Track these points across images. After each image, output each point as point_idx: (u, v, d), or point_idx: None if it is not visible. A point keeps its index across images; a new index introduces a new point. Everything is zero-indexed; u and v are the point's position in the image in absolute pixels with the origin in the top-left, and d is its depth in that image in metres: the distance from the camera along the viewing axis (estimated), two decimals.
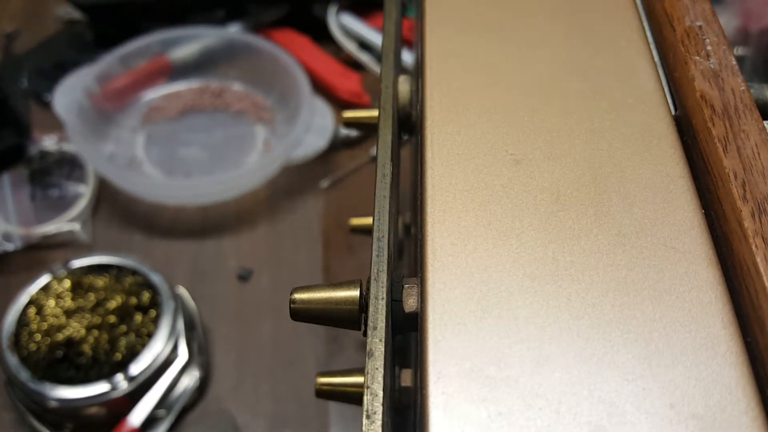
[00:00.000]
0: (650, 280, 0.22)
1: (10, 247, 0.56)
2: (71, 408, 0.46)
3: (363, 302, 0.24)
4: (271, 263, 0.58)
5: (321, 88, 0.67)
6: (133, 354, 0.47)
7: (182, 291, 0.53)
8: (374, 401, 0.20)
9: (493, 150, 0.25)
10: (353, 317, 0.24)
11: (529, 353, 0.20)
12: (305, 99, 0.62)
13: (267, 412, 0.50)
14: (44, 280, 0.50)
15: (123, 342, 0.48)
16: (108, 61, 0.66)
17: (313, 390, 0.49)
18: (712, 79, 0.26)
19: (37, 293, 0.50)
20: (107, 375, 0.46)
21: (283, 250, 0.59)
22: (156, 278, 0.51)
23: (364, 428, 0.19)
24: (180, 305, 0.51)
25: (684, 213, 0.23)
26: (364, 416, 0.20)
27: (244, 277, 0.56)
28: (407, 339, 0.31)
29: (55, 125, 0.64)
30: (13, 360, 0.47)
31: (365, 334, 0.23)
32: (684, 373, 0.20)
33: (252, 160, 0.64)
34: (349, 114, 0.37)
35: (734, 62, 0.27)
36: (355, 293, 0.24)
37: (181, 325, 0.50)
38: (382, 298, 0.23)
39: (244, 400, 0.50)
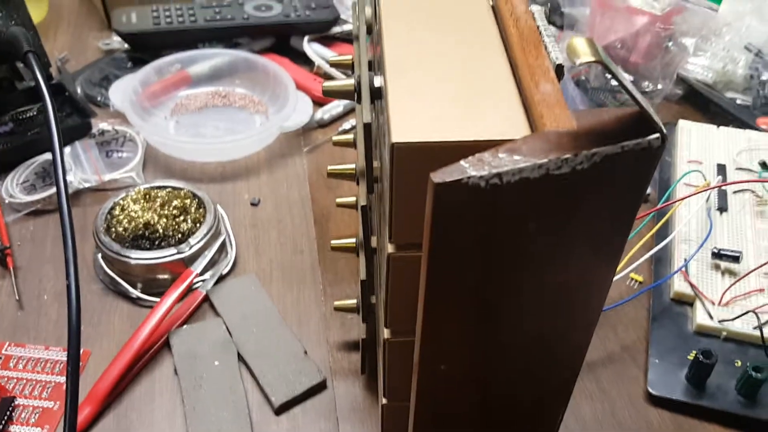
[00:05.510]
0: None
1: (88, 184, 0.79)
2: (148, 267, 0.69)
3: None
4: (273, 196, 0.82)
5: (300, 90, 0.94)
6: (190, 233, 0.70)
7: (217, 206, 0.77)
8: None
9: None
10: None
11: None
12: (291, 90, 0.88)
13: (277, 275, 0.73)
14: (122, 193, 0.74)
15: (183, 226, 0.71)
16: (146, 71, 0.91)
17: (308, 264, 0.73)
18: None
19: (119, 199, 0.73)
20: (173, 245, 0.69)
21: (280, 189, 0.83)
22: (200, 193, 0.74)
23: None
24: (218, 210, 0.74)
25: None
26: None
27: (255, 203, 0.80)
28: None
29: (107, 117, 0.88)
30: (106, 238, 0.69)
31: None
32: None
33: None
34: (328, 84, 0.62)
35: None
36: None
37: (220, 218, 0.73)
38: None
39: (262, 270, 0.73)
